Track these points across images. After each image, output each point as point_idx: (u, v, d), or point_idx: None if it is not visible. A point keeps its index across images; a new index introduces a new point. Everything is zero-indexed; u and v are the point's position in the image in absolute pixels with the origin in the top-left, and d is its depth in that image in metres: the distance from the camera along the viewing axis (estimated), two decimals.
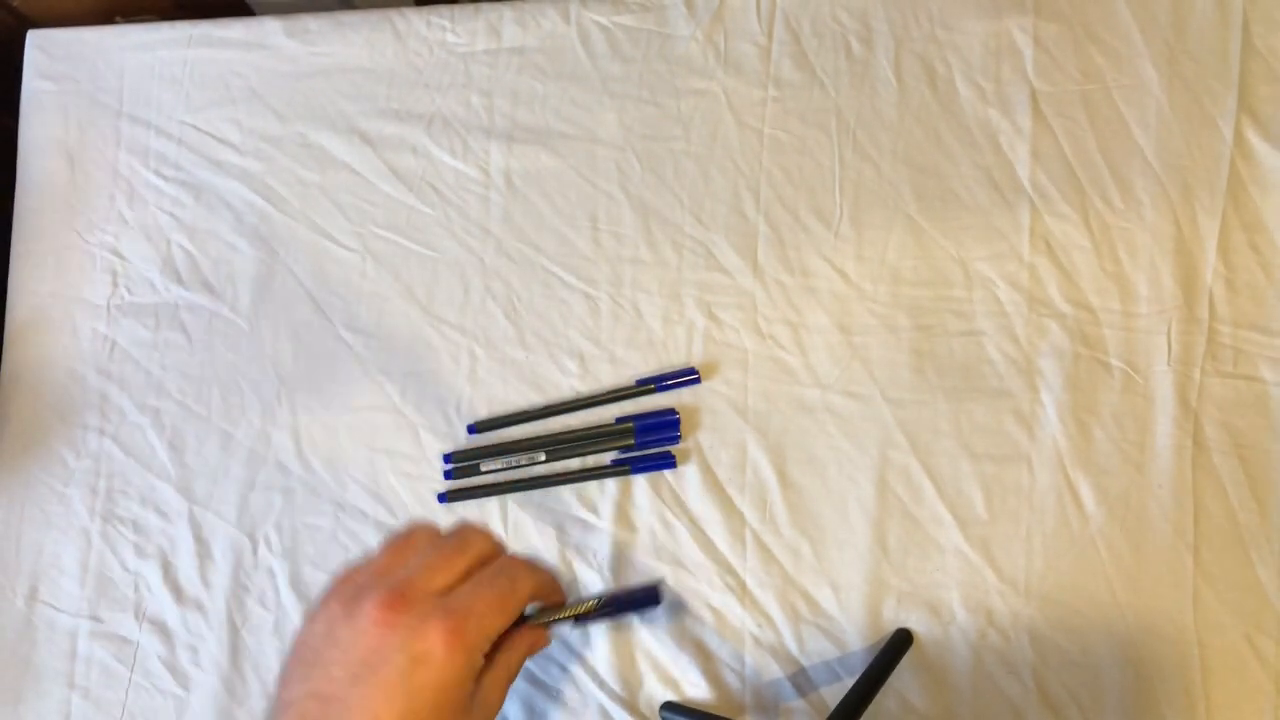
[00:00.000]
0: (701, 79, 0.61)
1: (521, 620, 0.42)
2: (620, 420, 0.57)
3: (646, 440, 0.57)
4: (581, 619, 0.45)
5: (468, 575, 0.38)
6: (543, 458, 0.57)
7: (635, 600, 0.46)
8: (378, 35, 0.64)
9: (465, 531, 0.41)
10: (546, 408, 0.58)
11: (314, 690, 0.36)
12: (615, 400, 0.57)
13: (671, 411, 0.57)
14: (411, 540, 0.40)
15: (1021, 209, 0.56)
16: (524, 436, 0.58)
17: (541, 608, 0.44)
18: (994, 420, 0.55)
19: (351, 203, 0.62)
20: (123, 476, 0.61)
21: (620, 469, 0.56)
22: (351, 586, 0.38)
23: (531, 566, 0.41)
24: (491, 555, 0.41)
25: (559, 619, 0.44)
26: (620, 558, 0.56)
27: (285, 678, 0.38)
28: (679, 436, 0.56)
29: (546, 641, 0.44)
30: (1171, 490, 0.53)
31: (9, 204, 0.66)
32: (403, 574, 0.38)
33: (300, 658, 0.38)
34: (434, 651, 0.35)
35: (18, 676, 0.60)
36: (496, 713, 0.40)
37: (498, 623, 0.38)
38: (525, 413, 0.58)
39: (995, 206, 0.57)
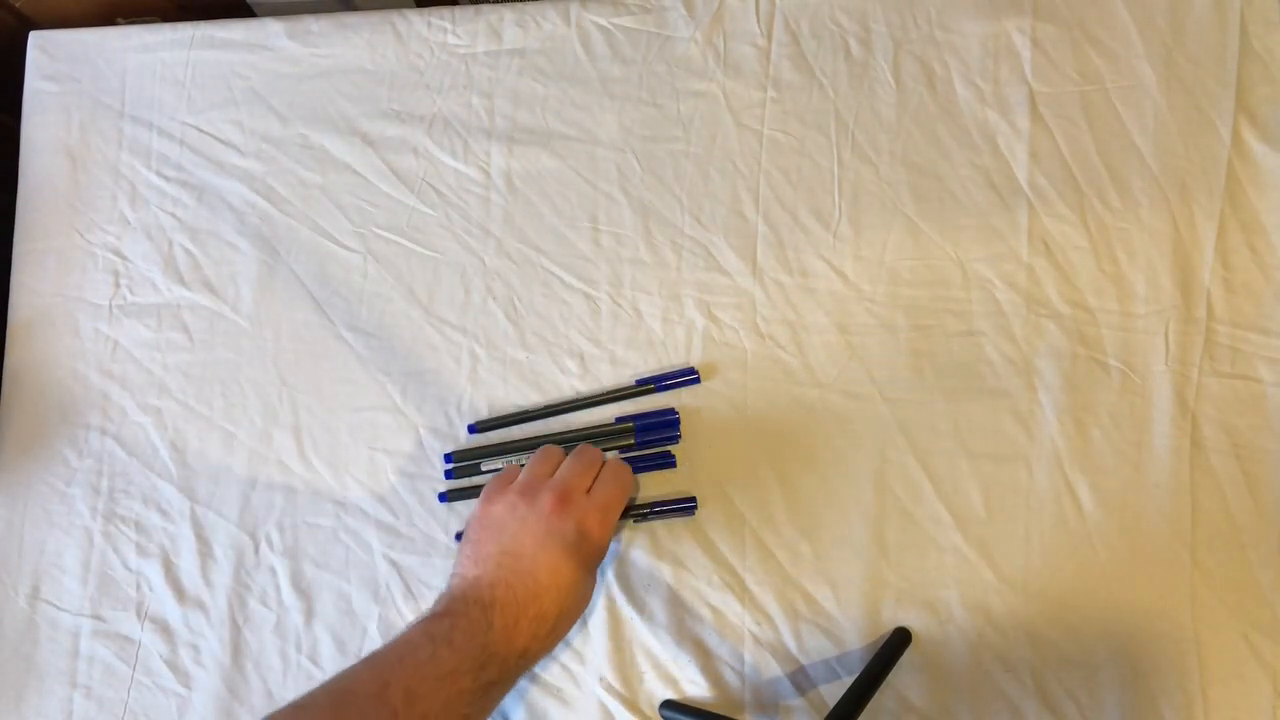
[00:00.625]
0: (701, 80, 0.61)
1: None
2: (620, 420, 0.57)
3: (647, 440, 0.57)
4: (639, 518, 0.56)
5: (595, 478, 0.52)
6: None
7: (669, 506, 0.56)
8: (379, 37, 0.64)
9: (585, 451, 0.54)
10: (547, 408, 0.58)
11: (507, 549, 0.49)
12: (615, 400, 0.57)
13: (671, 411, 0.57)
14: (552, 457, 0.53)
15: (1020, 210, 0.57)
16: (524, 436, 0.59)
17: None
18: (992, 420, 0.55)
19: (353, 203, 0.63)
20: (124, 476, 0.61)
21: (632, 508, 0.56)
22: (522, 486, 0.51)
23: (627, 467, 0.55)
24: (601, 461, 0.54)
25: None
26: (620, 557, 0.56)
27: (476, 540, 0.50)
28: (679, 436, 0.57)
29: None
30: (1169, 490, 0.53)
31: (11, 204, 0.66)
32: (560, 479, 0.51)
33: (488, 527, 0.50)
34: (592, 531, 0.50)
35: (20, 675, 0.60)
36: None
37: (620, 509, 0.53)
38: (526, 413, 0.58)
39: (993, 207, 0.57)
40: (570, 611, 0.49)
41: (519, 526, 0.49)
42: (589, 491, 0.51)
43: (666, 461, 0.56)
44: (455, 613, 0.47)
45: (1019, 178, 0.57)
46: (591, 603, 0.56)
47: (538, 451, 0.54)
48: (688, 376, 0.57)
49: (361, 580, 0.58)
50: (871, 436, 0.56)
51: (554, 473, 0.52)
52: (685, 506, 0.56)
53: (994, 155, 0.57)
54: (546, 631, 0.48)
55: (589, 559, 0.50)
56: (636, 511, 0.56)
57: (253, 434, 0.61)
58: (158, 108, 0.65)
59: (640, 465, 0.56)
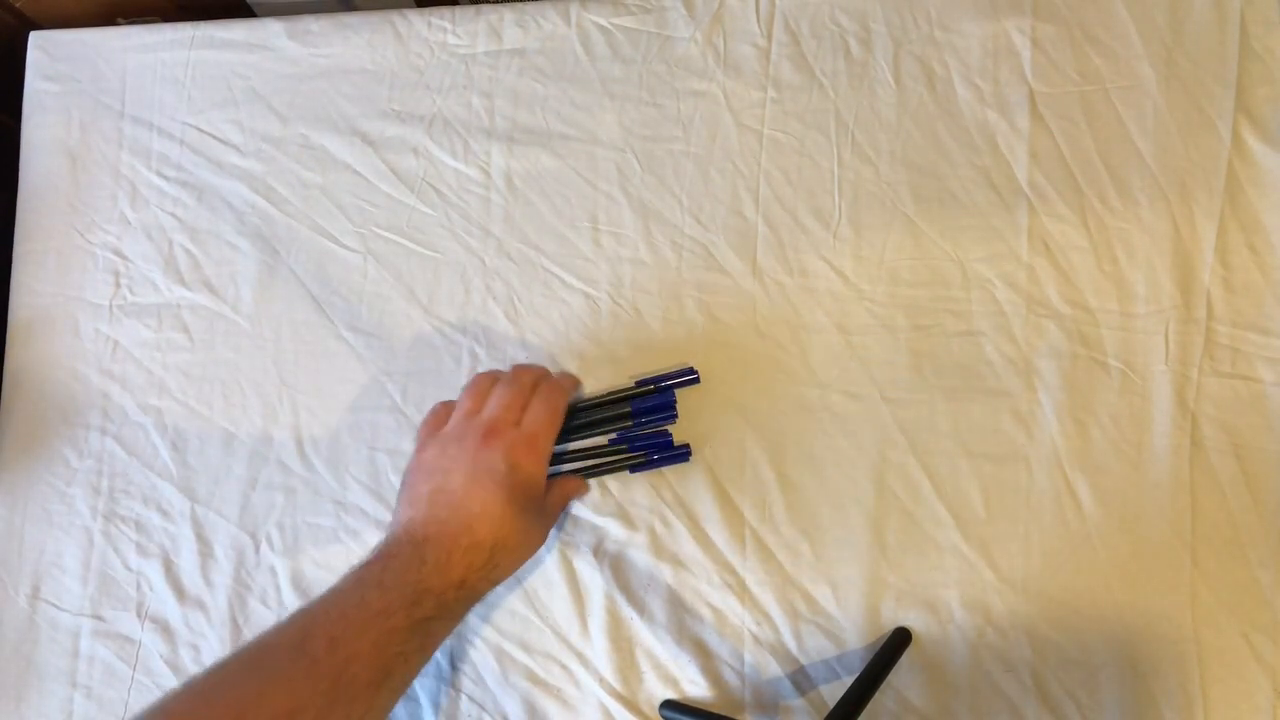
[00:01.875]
0: (701, 80, 0.61)
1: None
2: (616, 396, 0.58)
3: (644, 420, 0.57)
4: (604, 470, 0.57)
5: (523, 405, 0.52)
6: None
7: (665, 454, 0.57)
8: (379, 37, 0.64)
9: (516, 376, 0.54)
10: None
11: (438, 487, 0.49)
12: (616, 400, 0.57)
13: (669, 393, 0.57)
14: (481, 386, 0.53)
15: (1019, 210, 0.57)
16: None
17: (587, 467, 0.57)
18: (992, 420, 0.55)
19: (353, 203, 0.63)
20: (125, 476, 0.61)
21: (629, 455, 0.57)
22: (451, 426, 0.52)
23: (563, 381, 0.56)
24: (538, 379, 0.54)
25: (598, 472, 0.57)
26: (620, 556, 0.56)
27: (410, 484, 0.51)
28: (675, 415, 0.57)
29: (587, 489, 0.57)
30: (1169, 490, 0.53)
31: (11, 204, 0.66)
32: (488, 414, 0.51)
33: (420, 470, 0.51)
34: (521, 462, 0.50)
35: (20, 675, 0.60)
36: (552, 525, 0.55)
37: (554, 430, 0.52)
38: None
39: (993, 207, 0.57)
40: (507, 541, 0.49)
41: (449, 465, 0.50)
42: (519, 422, 0.51)
43: (681, 453, 0.56)
44: (387, 554, 0.48)
45: (1019, 178, 0.57)
46: (591, 602, 0.56)
47: (468, 385, 0.54)
48: (688, 376, 0.57)
49: None
50: (871, 436, 0.56)
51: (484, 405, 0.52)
52: (680, 454, 0.56)
53: (994, 155, 0.57)
54: (483, 561, 0.48)
55: (523, 490, 0.50)
56: (633, 461, 0.56)
57: (253, 434, 0.61)
58: (158, 108, 0.65)
59: (639, 466, 0.56)
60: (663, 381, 0.57)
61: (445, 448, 0.51)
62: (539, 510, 0.52)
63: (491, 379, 0.54)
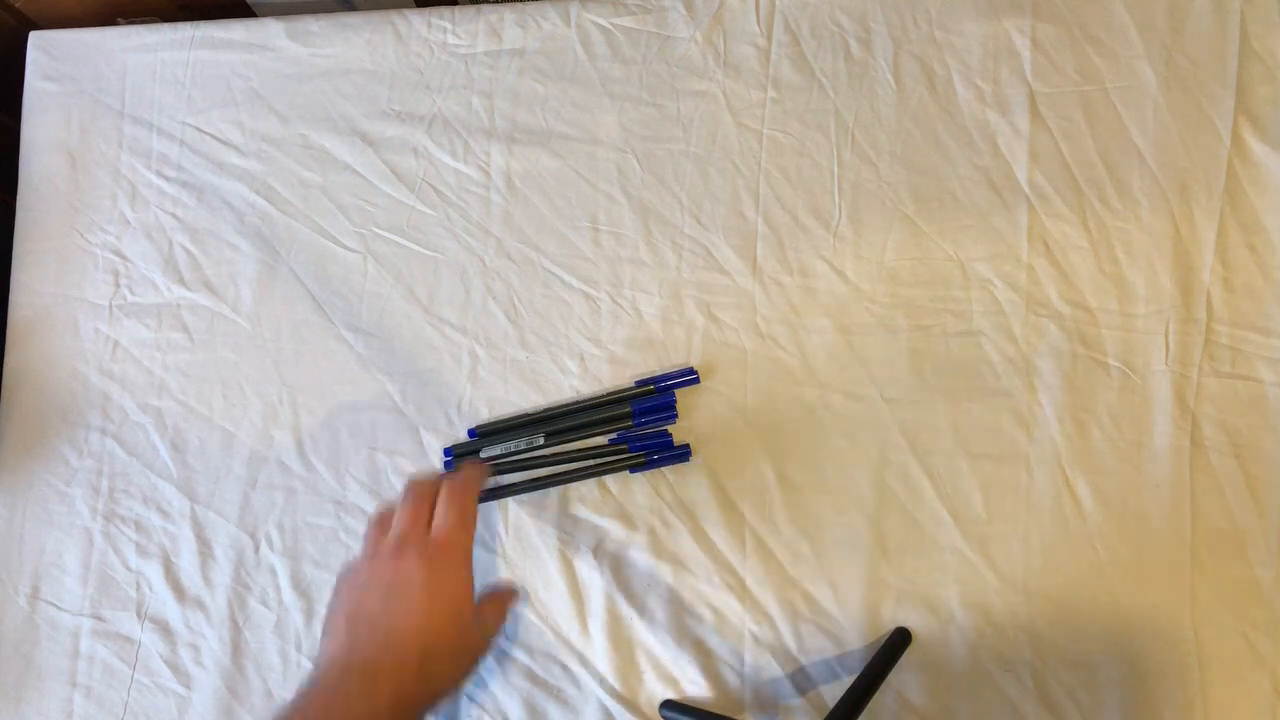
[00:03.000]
0: (701, 80, 0.61)
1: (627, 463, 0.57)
2: (616, 396, 0.58)
3: (644, 420, 0.57)
4: (604, 470, 0.57)
5: (430, 514, 0.51)
6: (541, 440, 0.57)
7: (665, 454, 0.56)
8: (379, 37, 0.64)
9: (412, 489, 0.52)
10: (546, 409, 0.58)
11: (354, 613, 0.48)
12: (616, 401, 0.57)
13: (669, 393, 0.57)
14: (383, 514, 0.52)
15: (1019, 210, 0.57)
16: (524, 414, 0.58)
17: (587, 467, 0.57)
18: (992, 420, 0.55)
19: (353, 203, 0.63)
20: (125, 476, 0.61)
21: (629, 455, 0.57)
22: (362, 553, 0.51)
23: (467, 475, 0.53)
24: (436, 488, 0.52)
25: (598, 472, 0.57)
26: (620, 556, 0.56)
27: (328, 618, 0.50)
28: (675, 415, 0.57)
29: (518, 596, 0.56)
30: (1169, 490, 0.53)
31: (11, 204, 0.66)
32: (394, 531, 0.50)
33: (338, 607, 0.49)
34: (438, 567, 0.48)
35: (20, 675, 0.60)
36: (495, 632, 0.53)
37: (469, 530, 0.51)
38: (526, 415, 0.58)
39: (993, 207, 0.57)
40: (437, 650, 0.47)
41: (361, 593, 0.48)
42: (428, 531, 0.50)
43: (681, 453, 0.56)
44: (308, 697, 0.45)
45: (1019, 178, 0.57)
46: (591, 602, 0.56)
47: (370, 518, 0.53)
48: (687, 376, 0.57)
49: None
50: (871, 436, 0.56)
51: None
52: (679, 454, 0.56)
53: (994, 155, 0.57)
54: (412, 676, 0.46)
55: (445, 595, 0.48)
56: (633, 462, 0.56)
57: (253, 434, 0.61)
58: (158, 108, 0.65)
59: (639, 465, 0.56)
60: (663, 382, 0.57)
61: (358, 574, 0.50)
62: (471, 614, 0.50)
63: (389, 505, 0.53)
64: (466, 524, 0.51)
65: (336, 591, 0.50)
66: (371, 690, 0.45)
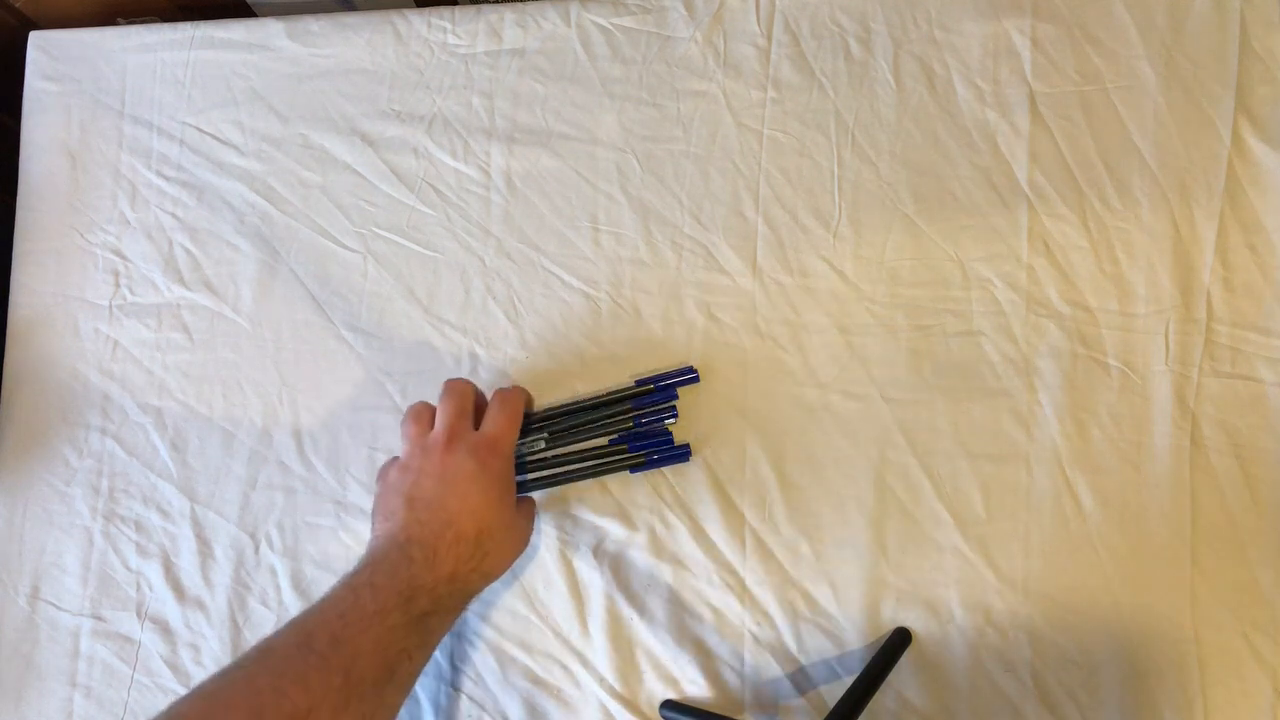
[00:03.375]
0: (701, 80, 0.61)
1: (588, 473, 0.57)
2: (616, 395, 0.58)
3: (644, 420, 0.57)
4: (605, 470, 0.57)
5: (470, 411, 0.53)
6: (542, 445, 0.57)
7: (665, 454, 0.57)
8: (379, 37, 0.64)
9: (448, 390, 0.54)
10: (547, 410, 0.58)
11: (411, 495, 0.50)
12: (616, 400, 0.57)
13: (670, 392, 0.57)
14: (420, 411, 0.54)
15: (1020, 210, 0.57)
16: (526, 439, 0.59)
17: (587, 467, 0.57)
18: (992, 420, 0.55)
19: (353, 203, 0.63)
20: (125, 476, 0.61)
21: (629, 455, 0.57)
22: (408, 449, 0.52)
23: (514, 394, 0.56)
24: (472, 388, 0.55)
25: (599, 472, 0.57)
26: (620, 556, 0.56)
27: (381, 502, 0.51)
28: (675, 414, 0.57)
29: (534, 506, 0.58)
30: (1169, 490, 0.53)
31: (11, 204, 0.66)
32: (441, 425, 0.52)
33: (387, 490, 0.51)
34: (487, 460, 0.51)
35: (20, 675, 0.60)
36: (530, 530, 0.56)
37: (514, 433, 0.54)
38: (528, 415, 0.58)
39: (993, 207, 0.57)
40: (492, 530, 0.50)
41: (416, 477, 0.50)
42: (477, 427, 0.53)
43: (681, 453, 0.56)
44: (374, 562, 0.48)
45: (1019, 178, 0.57)
46: (591, 602, 0.56)
47: (406, 415, 0.54)
48: (687, 376, 0.57)
49: None
50: (871, 436, 0.56)
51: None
52: (679, 453, 0.56)
53: (994, 155, 0.57)
54: (470, 552, 0.49)
55: (496, 483, 0.51)
56: (633, 462, 0.57)
57: (253, 434, 0.61)
58: (158, 108, 0.65)
59: (639, 465, 0.56)
60: (662, 381, 0.57)
61: (408, 464, 0.52)
62: (515, 505, 0.53)
63: (426, 404, 0.54)
64: (514, 426, 0.54)
65: (384, 480, 0.52)
66: (434, 560, 0.48)
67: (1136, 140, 0.56)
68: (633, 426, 0.57)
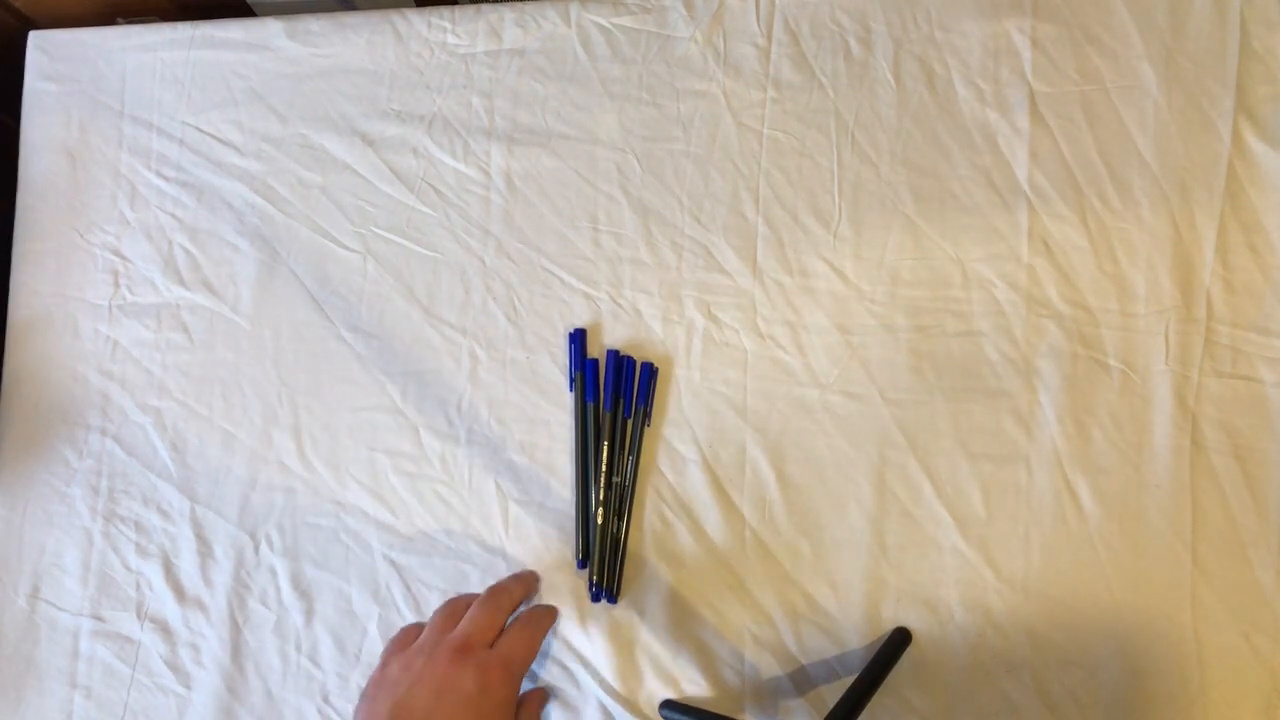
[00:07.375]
0: (701, 80, 0.61)
1: None
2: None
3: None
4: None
5: (501, 626, 0.51)
6: None
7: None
8: (379, 37, 0.64)
9: (494, 595, 0.52)
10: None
11: (400, 704, 0.46)
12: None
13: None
14: (456, 606, 0.52)
15: (1020, 210, 0.57)
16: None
17: None
18: (992, 420, 0.55)
19: (352, 203, 0.63)
20: (124, 476, 0.61)
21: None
22: (420, 643, 0.50)
23: (547, 611, 0.55)
24: (521, 599, 0.54)
25: None
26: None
27: (370, 698, 0.48)
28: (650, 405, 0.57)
29: (548, 697, 0.55)
30: (1169, 490, 0.53)
31: (11, 204, 0.66)
32: (460, 631, 0.50)
33: (382, 686, 0.48)
34: (493, 685, 0.48)
35: (20, 675, 0.60)
36: None
37: (530, 659, 0.51)
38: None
39: (993, 207, 0.57)
40: None
41: (414, 680, 0.47)
42: (494, 644, 0.50)
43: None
44: None
45: (1019, 178, 0.57)
46: (592, 602, 0.56)
47: (441, 605, 0.53)
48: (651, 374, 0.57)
49: (361, 580, 0.58)
50: (871, 436, 0.56)
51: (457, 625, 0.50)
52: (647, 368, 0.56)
53: (994, 155, 0.57)
54: None
55: (494, 713, 0.47)
56: None
57: (253, 434, 0.61)
58: (158, 108, 0.65)
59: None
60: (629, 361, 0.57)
61: (412, 662, 0.49)
62: None
63: (467, 601, 0.52)
64: (532, 650, 0.51)
65: (384, 668, 0.50)
66: None
67: (1136, 140, 0.56)
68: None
